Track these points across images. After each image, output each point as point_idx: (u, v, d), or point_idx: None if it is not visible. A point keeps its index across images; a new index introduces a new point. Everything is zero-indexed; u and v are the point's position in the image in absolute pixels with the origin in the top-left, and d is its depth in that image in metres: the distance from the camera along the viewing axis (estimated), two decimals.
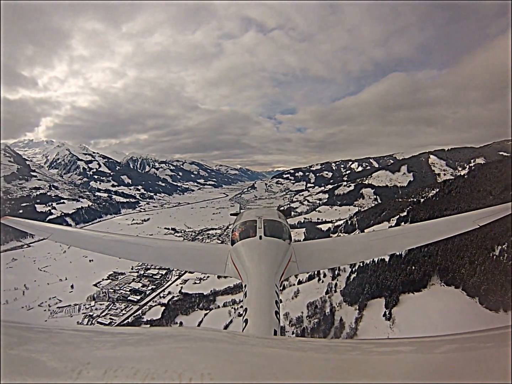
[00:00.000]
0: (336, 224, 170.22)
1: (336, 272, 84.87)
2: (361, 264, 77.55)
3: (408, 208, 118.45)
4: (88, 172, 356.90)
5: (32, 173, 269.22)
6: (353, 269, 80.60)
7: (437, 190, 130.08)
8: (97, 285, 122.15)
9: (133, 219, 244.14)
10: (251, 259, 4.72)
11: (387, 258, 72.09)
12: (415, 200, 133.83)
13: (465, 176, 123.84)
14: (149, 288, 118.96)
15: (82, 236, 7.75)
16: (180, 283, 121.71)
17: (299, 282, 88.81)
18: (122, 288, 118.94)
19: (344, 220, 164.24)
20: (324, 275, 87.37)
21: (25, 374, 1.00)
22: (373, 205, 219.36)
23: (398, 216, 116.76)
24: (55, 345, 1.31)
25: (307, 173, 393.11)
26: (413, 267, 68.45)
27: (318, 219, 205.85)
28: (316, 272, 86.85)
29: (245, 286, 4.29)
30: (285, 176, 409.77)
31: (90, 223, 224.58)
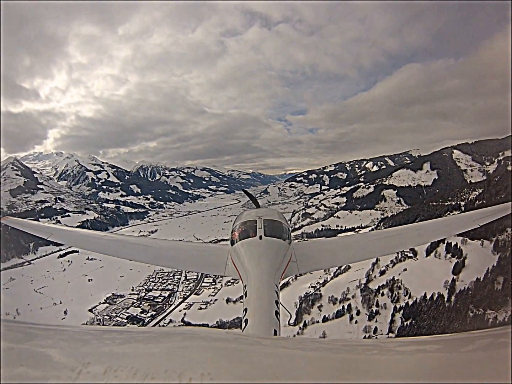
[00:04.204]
0: (360, 232, 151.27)
1: (374, 309, 66.27)
2: (408, 301, 59.17)
3: (450, 214, 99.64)
4: (96, 183, 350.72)
5: (39, 186, 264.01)
6: (397, 306, 62.40)
7: (481, 190, 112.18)
8: (93, 310, 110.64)
9: (140, 231, 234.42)
10: (251, 259, 4.68)
11: (446, 294, 53.14)
12: (453, 203, 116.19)
13: None
14: (149, 314, 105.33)
15: (82, 236, 7.43)
16: (184, 308, 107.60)
17: (325, 319, 70.95)
18: (119, 314, 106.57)
19: (370, 228, 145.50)
20: (358, 313, 68.85)
21: (25, 373, 1.01)
22: (397, 208, 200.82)
23: None
24: (55, 345, 1.30)
25: (320, 175, 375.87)
26: (493, 313, 47.67)
27: (337, 226, 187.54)
28: (346, 307, 69.28)
29: (245, 286, 4.28)
30: (298, 179, 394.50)
31: None
